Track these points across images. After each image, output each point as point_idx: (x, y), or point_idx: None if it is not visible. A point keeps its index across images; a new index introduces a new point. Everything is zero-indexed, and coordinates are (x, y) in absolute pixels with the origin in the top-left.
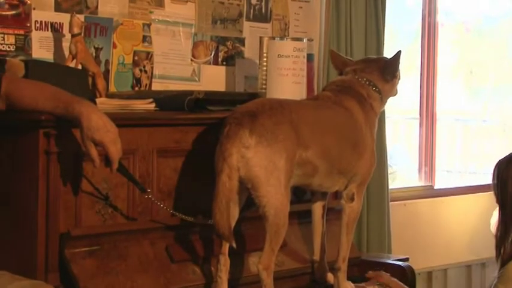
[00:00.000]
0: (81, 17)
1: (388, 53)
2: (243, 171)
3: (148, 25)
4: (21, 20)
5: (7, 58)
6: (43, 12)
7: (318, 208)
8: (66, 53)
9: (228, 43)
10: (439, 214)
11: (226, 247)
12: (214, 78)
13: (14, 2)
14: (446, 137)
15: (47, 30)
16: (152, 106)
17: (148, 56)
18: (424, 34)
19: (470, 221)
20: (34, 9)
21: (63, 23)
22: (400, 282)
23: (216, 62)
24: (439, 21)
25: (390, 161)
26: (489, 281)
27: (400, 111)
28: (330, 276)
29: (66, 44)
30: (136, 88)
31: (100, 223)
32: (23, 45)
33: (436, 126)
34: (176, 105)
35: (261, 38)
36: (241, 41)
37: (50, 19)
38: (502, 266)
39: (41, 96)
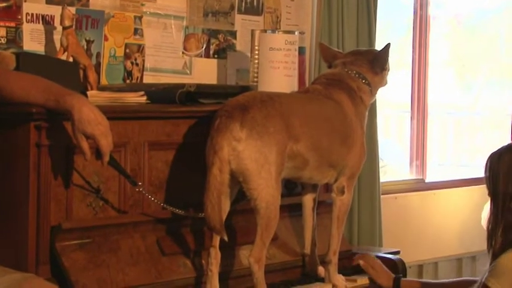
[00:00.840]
0: (73, 10)
1: (379, 46)
2: (234, 164)
3: (140, 18)
4: (12, 12)
5: None
6: (34, 5)
7: (308, 201)
8: (58, 45)
9: (220, 36)
10: (430, 207)
11: (217, 240)
12: (205, 71)
13: None
14: (438, 131)
15: (38, 22)
16: (144, 99)
17: (140, 48)
18: (415, 27)
19: (461, 214)
20: (25, 1)
21: (54, 16)
22: (385, 266)
23: (207, 55)
24: (430, 14)
25: (381, 154)
26: (480, 274)
27: (391, 105)
28: (321, 269)
29: (57, 37)
30: (128, 81)
31: (91, 216)
32: (14, 38)
33: (427, 119)
34: (168, 98)
35: (252, 31)
36: (233, 34)
37: (41, 11)
38: (494, 259)
39: (32, 89)
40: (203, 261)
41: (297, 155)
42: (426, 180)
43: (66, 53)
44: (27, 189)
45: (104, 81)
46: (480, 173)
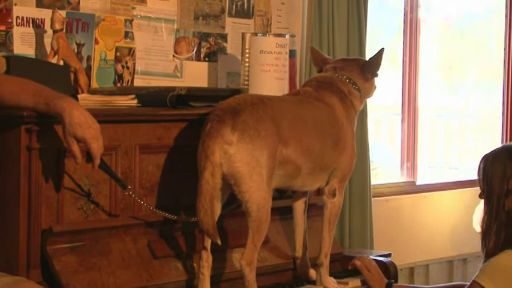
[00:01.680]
0: (63, 13)
1: (370, 48)
2: (225, 167)
3: (131, 21)
4: (2, 15)
5: None
6: (25, 8)
7: (299, 204)
8: (48, 49)
9: (211, 39)
10: (421, 210)
11: (208, 243)
12: (196, 74)
13: None
14: (428, 133)
15: (29, 26)
16: (134, 102)
17: (131, 52)
18: (406, 30)
19: (452, 216)
20: (15, 5)
21: (44, 19)
22: (380, 270)
23: (198, 58)
24: (421, 17)
25: (372, 157)
26: (472, 276)
27: (382, 107)
28: (312, 272)
29: (48, 40)
30: (119, 84)
31: (82, 219)
32: (5, 41)
33: (418, 122)
34: (158, 101)
35: (243, 34)
36: (224, 37)
37: (32, 15)
38: (487, 258)
39: (23, 92)
40: (194, 264)
41: (288, 160)
42: (417, 183)
43: (56, 57)
44: (18, 192)
45: (94, 84)
46: (471, 175)
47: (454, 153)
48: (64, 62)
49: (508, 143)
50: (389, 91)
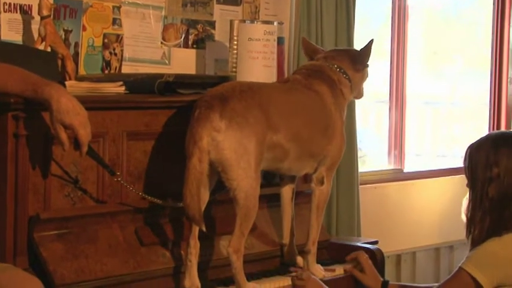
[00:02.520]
0: None
1: (358, 36)
2: (213, 154)
3: (118, 7)
4: None
5: None
6: None
7: (286, 192)
8: (36, 35)
9: (199, 26)
10: (408, 197)
11: (196, 230)
12: (184, 61)
13: None
14: (416, 121)
15: (16, 12)
16: (122, 89)
17: (118, 38)
18: (394, 17)
19: (439, 204)
20: None
21: (32, 5)
22: (375, 269)
23: (186, 45)
24: (409, 4)
25: (360, 144)
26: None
27: (369, 95)
28: (300, 259)
29: (35, 26)
30: (106, 71)
31: (69, 206)
32: None
33: (406, 109)
34: (146, 88)
35: (231, 21)
36: (212, 24)
37: (19, 1)
38: (473, 246)
39: (10, 79)
40: (182, 252)
41: (277, 145)
42: (404, 170)
43: (44, 43)
44: (5, 179)
45: (82, 71)
46: (458, 163)
47: (441, 141)
48: (51, 49)
49: (493, 131)
50: (377, 78)
